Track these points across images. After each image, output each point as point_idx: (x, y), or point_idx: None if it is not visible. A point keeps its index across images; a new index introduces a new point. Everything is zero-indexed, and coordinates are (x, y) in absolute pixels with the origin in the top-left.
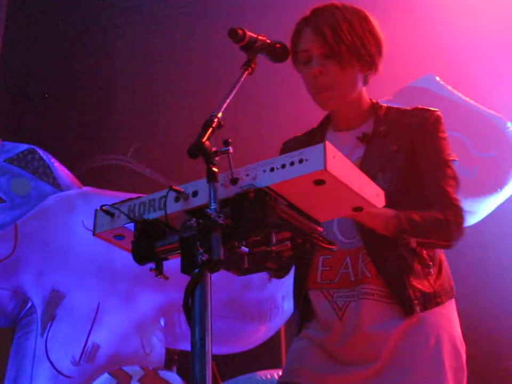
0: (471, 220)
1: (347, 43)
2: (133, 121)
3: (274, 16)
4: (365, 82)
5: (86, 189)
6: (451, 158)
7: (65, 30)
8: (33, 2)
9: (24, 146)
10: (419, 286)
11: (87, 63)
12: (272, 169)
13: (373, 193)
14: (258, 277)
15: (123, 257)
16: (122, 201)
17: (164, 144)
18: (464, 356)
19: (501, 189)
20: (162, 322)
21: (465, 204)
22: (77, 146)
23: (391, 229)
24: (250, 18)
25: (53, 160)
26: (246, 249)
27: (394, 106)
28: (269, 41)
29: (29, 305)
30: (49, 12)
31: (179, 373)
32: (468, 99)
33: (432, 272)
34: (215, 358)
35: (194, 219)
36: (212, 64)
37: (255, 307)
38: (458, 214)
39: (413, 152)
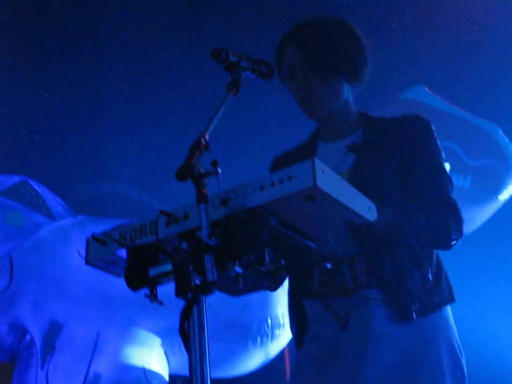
0: (467, 229)
1: (329, 56)
2: (125, 146)
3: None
4: (353, 93)
5: (80, 217)
6: (444, 164)
7: (56, 58)
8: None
9: (16, 178)
10: (416, 293)
11: (77, 90)
12: (261, 188)
13: (364, 207)
14: (258, 296)
15: (120, 284)
16: (113, 228)
17: (158, 168)
18: (463, 363)
19: (496, 196)
20: (163, 348)
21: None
22: (69, 174)
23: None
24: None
25: (45, 190)
26: (240, 270)
27: (382, 116)
28: (253, 59)
29: (28, 338)
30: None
31: None
32: (458, 108)
33: (431, 278)
34: (216, 382)
35: (186, 242)
36: (207, 83)
37: (257, 327)
38: (458, 215)
39: (405, 159)
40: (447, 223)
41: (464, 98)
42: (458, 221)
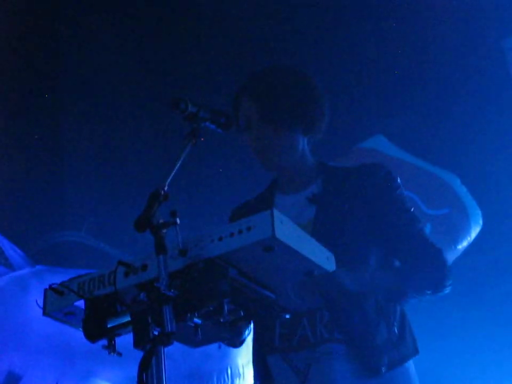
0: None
1: (283, 109)
2: (85, 195)
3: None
4: (310, 144)
5: (39, 267)
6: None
7: (12, 107)
8: None
9: None
10: (384, 347)
11: (36, 137)
12: (220, 238)
13: (323, 257)
14: (218, 346)
15: (79, 335)
16: (72, 279)
17: (118, 217)
18: None
19: (456, 246)
20: None
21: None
22: (28, 224)
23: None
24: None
25: (3, 239)
26: (199, 321)
27: (341, 166)
28: (212, 110)
29: None
30: None
31: None
32: (416, 157)
33: (396, 331)
34: None
35: (144, 293)
36: (169, 131)
37: (217, 378)
38: (444, 259)
39: (372, 209)
40: (439, 271)
41: (423, 147)
42: (447, 264)
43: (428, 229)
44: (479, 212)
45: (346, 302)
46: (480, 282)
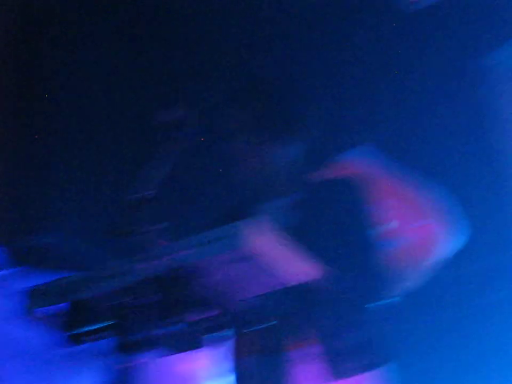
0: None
1: (271, 118)
2: (69, 196)
3: None
4: (295, 153)
5: (21, 268)
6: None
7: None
8: None
9: None
10: (353, 350)
11: (24, 133)
12: (198, 245)
13: (300, 266)
14: None
15: (59, 338)
16: (53, 281)
17: (102, 219)
18: None
19: (432, 256)
20: None
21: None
22: (11, 224)
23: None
24: None
25: None
26: (178, 328)
27: (323, 177)
28: None
29: None
30: None
31: None
32: (401, 167)
33: (368, 337)
34: None
35: (126, 298)
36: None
37: None
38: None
39: (343, 217)
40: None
41: (411, 155)
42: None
43: (404, 240)
44: (465, 222)
45: (319, 304)
46: (466, 293)
